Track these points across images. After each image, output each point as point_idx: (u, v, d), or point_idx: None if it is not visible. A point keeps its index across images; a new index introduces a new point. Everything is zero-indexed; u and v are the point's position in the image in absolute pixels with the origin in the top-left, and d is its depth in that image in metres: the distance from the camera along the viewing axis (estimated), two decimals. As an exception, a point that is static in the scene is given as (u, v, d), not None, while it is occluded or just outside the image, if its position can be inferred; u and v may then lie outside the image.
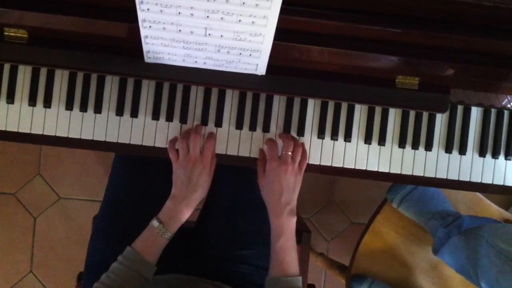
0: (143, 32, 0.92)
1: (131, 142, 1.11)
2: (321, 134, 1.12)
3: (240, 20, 0.86)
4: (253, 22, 0.87)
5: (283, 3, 0.83)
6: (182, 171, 1.05)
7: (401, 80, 1.02)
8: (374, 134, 1.13)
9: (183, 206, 1.04)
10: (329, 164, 1.13)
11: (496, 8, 0.93)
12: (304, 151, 1.10)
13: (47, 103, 1.09)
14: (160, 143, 1.11)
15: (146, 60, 0.99)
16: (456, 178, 1.14)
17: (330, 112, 1.12)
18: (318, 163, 1.13)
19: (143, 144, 1.11)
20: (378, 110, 1.12)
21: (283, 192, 1.05)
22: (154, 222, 1.03)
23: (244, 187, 1.23)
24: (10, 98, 1.09)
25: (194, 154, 1.04)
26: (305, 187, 2.06)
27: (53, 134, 1.10)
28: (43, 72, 1.09)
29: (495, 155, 1.14)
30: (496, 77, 1.02)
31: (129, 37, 0.98)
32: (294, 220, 1.06)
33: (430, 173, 1.14)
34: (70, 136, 1.10)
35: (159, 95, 1.10)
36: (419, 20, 0.96)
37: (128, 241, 1.03)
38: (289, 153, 1.05)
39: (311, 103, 1.12)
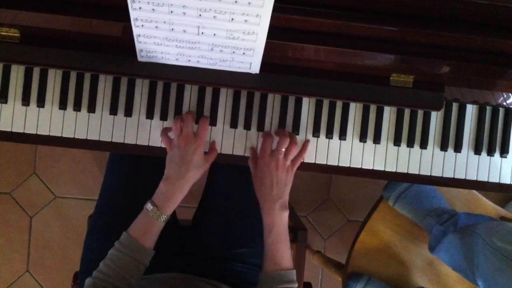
0: (135, 31, 0.91)
1: (125, 142, 1.11)
2: (316, 132, 1.12)
3: (232, 19, 0.86)
4: (246, 21, 0.86)
5: (276, 1, 0.83)
6: (176, 151, 1.03)
7: (395, 78, 1.02)
8: (369, 132, 1.12)
9: (177, 187, 1.03)
10: (324, 162, 1.13)
11: (491, 6, 0.93)
12: (303, 150, 1.10)
13: (41, 103, 1.09)
14: (155, 142, 1.11)
15: (139, 59, 0.99)
16: (452, 176, 1.14)
17: (325, 110, 1.12)
18: (313, 162, 1.13)
19: (137, 143, 1.11)
20: (373, 108, 1.12)
21: (274, 187, 1.05)
22: (148, 206, 1.02)
23: (240, 185, 1.23)
24: (3, 98, 1.09)
25: (186, 131, 1.03)
26: (302, 185, 2.07)
27: (47, 134, 1.10)
28: (36, 71, 1.09)
29: (490, 152, 1.14)
30: (491, 75, 1.02)
31: (122, 36, 0.97)
32: (286, 214, 1.06)
33: (425, 171, 1.14)
34: (64, 135, 1.10)
35: (153, 94, 1.10)
36: (414, 18, 0.96)
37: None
38: (282, 149, 1.05)
39: (305, 101, 1.12)
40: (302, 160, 1.10)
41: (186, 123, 1.03)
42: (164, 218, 1.02)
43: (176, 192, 1.03)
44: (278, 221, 1.04)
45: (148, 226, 1.02)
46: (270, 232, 1.04)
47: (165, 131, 1.08)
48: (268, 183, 1.05)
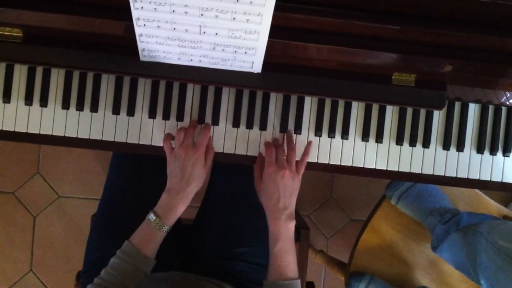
0: (137, 30, 0.91)
1: (128, 141, 1.11)
2: (318, 131, 1.12)
3: (234, 18, 0.86)
4: (247, 20, 0.86)
5: (278, 0, 0.83)
6: (176, 163, 1.04)
7: (397, 77, 1.02)
8: (372, 131, 1.12)
9: (179, 199, 1.04)
10: (326, 161, 1.13)
11: (493, 4, 0.93)
12: (305, 154, 1.10)
13: (43, 102, 1.09)
14: (157, 141, 1.11)
15: (142, 58, 0.99)
16: (454, 175, 1.14)
17: (327, 110, 1.12)
18: (316, 161, 1.13)
19: (140, 142, 1.11)
20: (375, 107, 1.12)
21: (281, 197, 1.05)
22: (151, 216, 1.02)
23: (241, 185, 1.23)
24: (7, 98, 1.09)
25: (187, 144, 1.04)
26: (304, 184, 2.05)
27: (50, 133, 1.10)
28: (39, 71, 1.09)
29: (493, 151, 1.13)
30: (493, 74, 1.02)
31: (124, 35, 0.97)
32: (292, 224, 1.06)
33: (427, 170, 1.14)
34: (67, 135, 1.10)
35: (155, 93, 1.10)
36: (415, 17, 0.96)
37: (126, 239, 1.03)
38: (284, 157, 1.06)
39: (308, 100, 1.12)
40: (305, 165, 1.10)
41: (187, 135, 1.04)
42: (166, 229, 1.03)
43: (178, 203, 1.04)
44: (284, 231, 1.04)
45: (150, 236, 1.02)
46: (276, 242, 1.04)
47: (167, 138, 1.08)
48: (275, 194, 1.05)
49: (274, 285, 1.03)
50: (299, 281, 1.03)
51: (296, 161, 1.09)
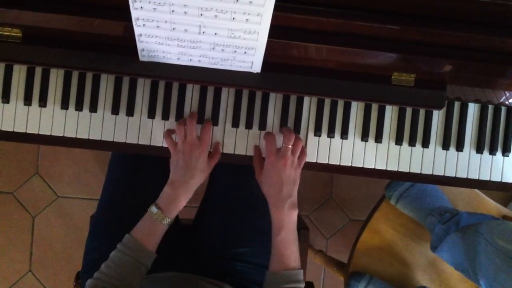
0: (137, 31, 0.91)
1: (127, 141, 1.11)
2: (317, 131, 1.12)
3: (234, 18, 0.86)
4: (247, 20, 0.86)
5: (277, 0, 0.83)
6: (181, 156, 1.04)
7: (397, 77, 1.02)
8: (371, 131, 1.12)
9: (182, 192, 1.04)
10: (326, 161, 1.13)
11: (493, 4, 0.93)
12: (303, 148, 1.10)
13: (43, 102, 1.09)
14: (156, 141, 1.11)
15: (141, 58, 0.99)
16: (453, 175, 1.14)
17: (326, 110, 1.12)
18: (315, 161, 1.13)
19: (139, 142, 1.11)
20: (374, 107, 1.12)
21: (284, 185, 1.04)
22: (153, 208, 1.02)
23: (241, 185, 1.23)
24: (6, 98, 1.09)
25: (191, 138, 1.04)
26: (304, 184, 2.07)
27: (49, 134, 1.10)
28: (38, 71, 1.09)
29: (492, 151, 1.13)
30: (493, 74, 1.02)
31: (124, 35, 0.97)
32: (295, 213, 1.05)
33: (427, 170, 1.14)
34: (66, 135, 1.10)
35: (154, 94, 1.10)
36: (415, 17, 0.96)
37: (125, 240, 1.03)
38: (290, 146, 1.05)
39: (307, 100, 1.12)
40: (306, 156, 1.10)
41: (190, 128, 1.04)
42: (168, 221, 1.02)
43: (181, 196, 1.04)
44: (287, 220, 1.04)
45: (151, 229, 1.02)
46: (279, 231, 1.04)
47: (168, 134, 1.08)
48: (277, 183, 1.05)
49: (277, 276, 1.02)
50: (301, 271, 1.03)
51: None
